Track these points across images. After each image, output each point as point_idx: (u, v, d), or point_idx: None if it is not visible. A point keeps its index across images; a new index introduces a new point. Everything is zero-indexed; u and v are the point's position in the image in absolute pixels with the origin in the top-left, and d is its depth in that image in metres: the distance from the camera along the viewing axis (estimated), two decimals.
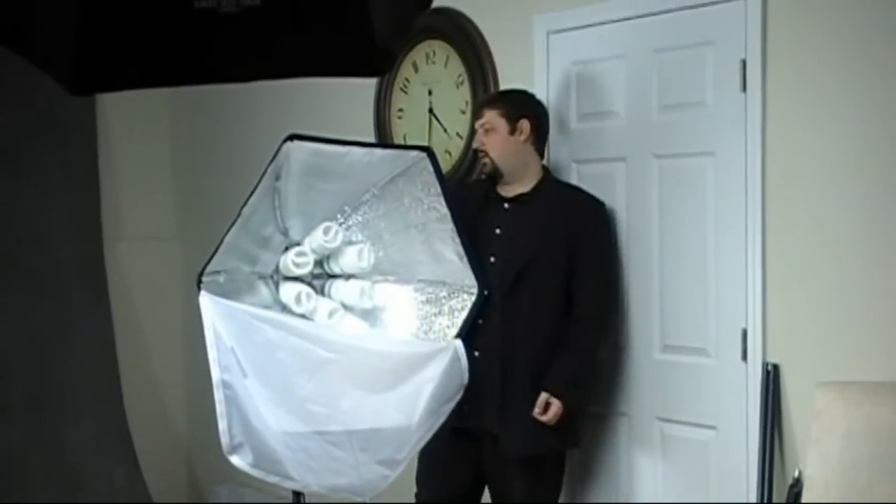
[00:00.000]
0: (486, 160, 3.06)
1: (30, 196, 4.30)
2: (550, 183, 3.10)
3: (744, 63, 2.85)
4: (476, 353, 2.91)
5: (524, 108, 3.09)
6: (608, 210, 3.11)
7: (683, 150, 3.03)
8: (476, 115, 3.14)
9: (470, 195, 3.14)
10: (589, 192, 3.10)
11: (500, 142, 3.04)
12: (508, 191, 3.08)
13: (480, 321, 2.94)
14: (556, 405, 2.93)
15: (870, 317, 2.65)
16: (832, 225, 2.72)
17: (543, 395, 2.93)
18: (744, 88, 2.85)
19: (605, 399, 3.21)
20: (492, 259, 2.99)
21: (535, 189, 3.06)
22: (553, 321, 3.00)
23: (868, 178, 2.66)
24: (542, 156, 3.14)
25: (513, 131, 3.04)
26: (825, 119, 2.72)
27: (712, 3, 2.92)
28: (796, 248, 2.78)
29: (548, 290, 2.99)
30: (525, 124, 3.05)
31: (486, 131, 3.05)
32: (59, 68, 1.99)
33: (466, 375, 2.80)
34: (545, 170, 3.12)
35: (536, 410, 2.92)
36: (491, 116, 3.06)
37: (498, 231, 3.04)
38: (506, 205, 3.08)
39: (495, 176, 3.06)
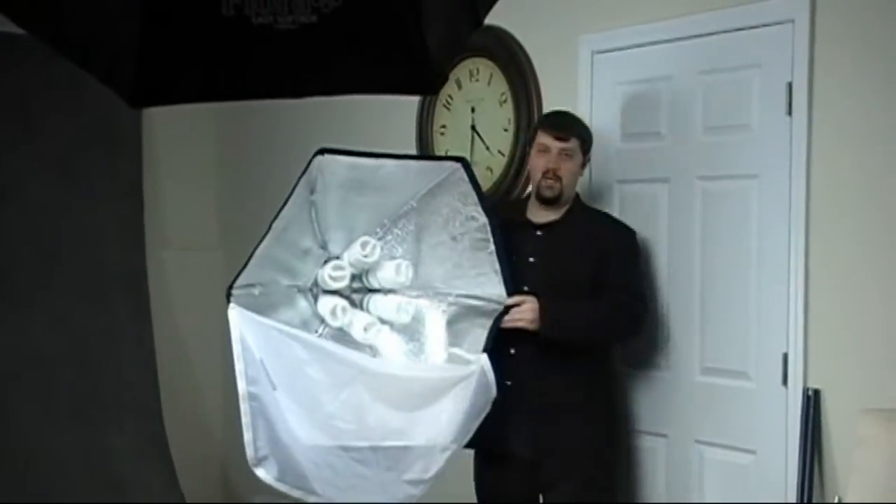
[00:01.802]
0: (557, 185, 3.00)
1: (77, 204, 4.37)
2: (581, 209, 3.09)
3: (790, 86, 2.84)
4: (508, 383, 2.88)
5: (591, 144, 3.11)
6: (638, 239, 3.10)
7: (727, 172, 3.03)
8: (559, 134, 3.02)
9: (507, 216, 3.11)
10: (619, 219, 3.12)
11: (574, 170, 3.03)
12: (540, 216, 3.06)
13: (513, 350, 2.93)
14: (530, 304, 2.88)
15: None
16: (876, 250, 2.69)
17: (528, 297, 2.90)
18: (789, 112, 2.84)
19: (645, 420, 3.20)
20: (525, 288, 2.95)
21: (567, 215, 3.05)
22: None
23: None
24: None
25: (583, 164, 3.08)
26: (871, 144, 2.70)
27: (759, 26, 2.91)
28: (839, 273, 2.76)
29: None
30: (588, 160, 3.10)
31: (566, 156, 3.01)
32: (120, 82, 2.04)
33: (493, 390, 2.79)
34: (576, 196, 3.11)
35: (510, 301, 2.89)
36: (574, 144, 3.02)
37: (532, 259, 3.02)
38: (538, 231, 3.05)
39: (555, 201, 3.03)
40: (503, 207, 3.23)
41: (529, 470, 2.98)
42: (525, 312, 2.89)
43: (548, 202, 3.03)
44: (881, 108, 2.69)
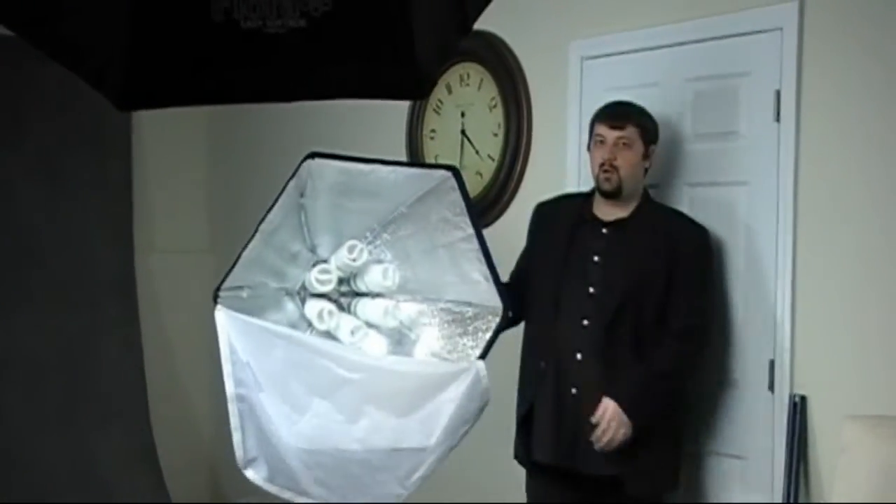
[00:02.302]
0: (614, 176, 2.85)
1: (64, 205, 4.36)
2: (650, 207, 2.94)
3: (778, 94, 2.85)
4: (573, 391, 2.82)
5: (656, 135, 2.95)
6: (711, 238, 2.94)
7: (715, 179, 3.04)
8: (614, 122, 2.88)
9: (563, 213, 3.00)
10: (692, 218, 2.93)
11: (633, 160, 2.87)
12: (608, 213, 2.92)
13: (579, 356, 2.83)
14: (611, 409, 2.74)
15: None
16: (865, 257, 2.70)
17: (605, 401, 2.76)
18: (777, 119, 2.86)
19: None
20: (590, 289, 2.85)
21: (636, 213, 2.90)
22: (651, 345, 2.84)
23: None
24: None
25: (646, 156, 2.91)
26: (859, 150, 2.72)
27: (748, 34, 2.93)
28: (827, 280, 2.77)
29: (650, 321, 2.82)
30: (652, 151, 2.94)
31: (624, 145, 2.86)
32: (107, 85, 2.04)
33: (487, 397, 2.76)
34: (645, 193, 2.97)
35: (593, 418, 2.76)
36: (633, 133, 2.87)
37: (596, 259, 2.88)
38: (604, 229, 2.91)
39: (615, 195, 2.88)
40: (566, 204, 3.06)
41: (596, 490, 2.86)
42: (612, 428, 2.74)
43: (608, 196, 2.89)
44: (870, 115, 2.70)
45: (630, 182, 2.88)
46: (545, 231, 3.05)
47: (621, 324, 2.81)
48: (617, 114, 2.91)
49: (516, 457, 3.05)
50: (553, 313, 2.90)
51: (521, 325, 3.02)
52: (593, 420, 2.76)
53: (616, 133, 2.87)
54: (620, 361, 2.80)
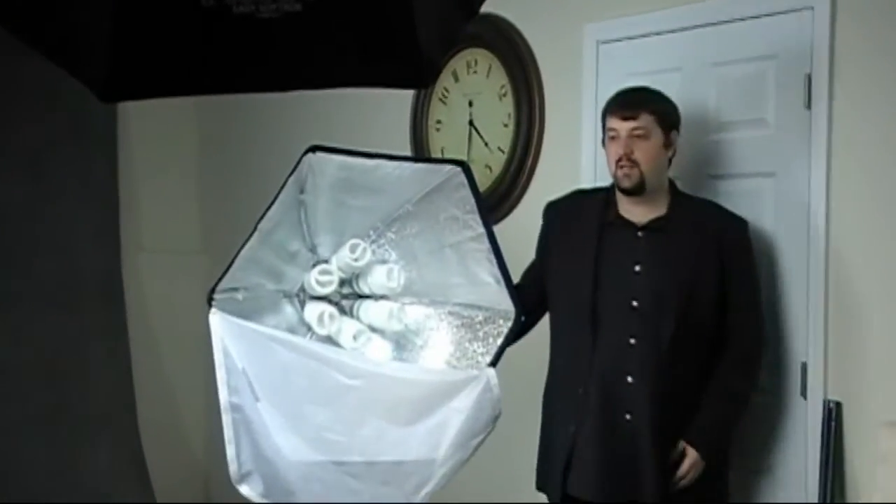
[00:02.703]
0: (634, 171, 2.72)
1: (46, 205, 4.36)
2: (685, 202, 2.82)
3: (809, 78, 2.83)
4: (628, 418, 2.71)
5: (677, 119, 2.81)
6: (750, 229, 2.83)
7: (741, 170, 3.02)
8: (625, 113, 2.76)
9: (584, 214, 2.87)
10: (729, 210, 2.84)
11: (652, 152, 2.74)
12: (639, 214, 2.78)
13: (630, 379, 2.71)
14: (691, 457, 2.69)
15: None
16: None
17: (681, 447, 2.70)
18: (808, 105, 2.84)
19: None
20: (633, 303, 2.72)
21: (671, 211, 2.77)
22: (706, 358, 2.76)
23: None
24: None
25: (667, 144, 2.77)
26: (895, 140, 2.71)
27: (776, 14, 2.90)
28: (862, 277, 2.75)
29: (706, 335, 2.73)
30: (674, 137, 2.79)
31: (639, 137, 2.73)
32: (90, 74, 2.03)
33: (499, 407, 2.75)
34: (673, 185, 2.84)
35: (678, 472, 2.69)
36: (648, 121, 2.73)
37: (638, 268, 2.74)
38: (640, 233, 2.77)
39: (638, 191, 2.75)
40: (585, 202, 2.93)
41: None
42: (692, 473, 2.70)
43: (630, 193, 2.76)
44: None
45: (653, 176, 2.75)
46: (564, 233, 2.91)
47: (678, 341, 2.69)
48: (627, 102, 2.78)
49: (540, 488, 2.92)
50: (590, 330, 2.76)
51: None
52: (678, 474, 2.70)
53: (629, 124, 2.74)
54: (681, 382, 2.70)
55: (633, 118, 2.73)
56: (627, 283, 2.74)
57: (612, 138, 2.77)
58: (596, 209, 2.83)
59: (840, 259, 2.80)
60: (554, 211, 2.97)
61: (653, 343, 2.69)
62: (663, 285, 2.70)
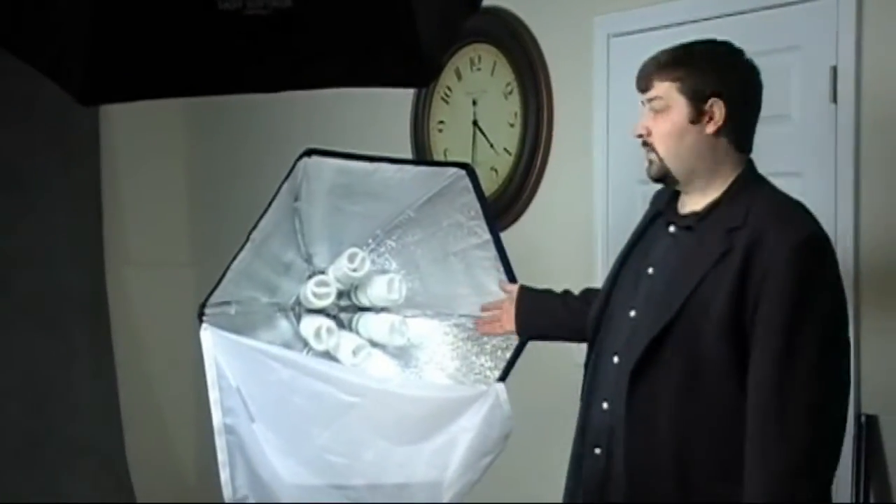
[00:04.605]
0: (652, 156, 2.30)
1: (26, 216, 4.37)
2: (744, 194, 2.24)
3: (834, 70, 2.83)
4: (596, 451, 2.34)
5: (718, 79, 2.23)
6: (814, 248, 2.15)
7: (764, 169, 2.98)
8: (642, 83, 2.33)
9: (656, 205, 2.46)
10: (800, 218, 2.22)
11: (671, 129, 2.26)
12: (685, 204, 2.33)
13: (605, 405, 2.32)
14: None
15: None
16: None
17: None
18: (834, 99, 2.83)
19: None
20: (632, 313, 2.31)
21: (715, 205, 2.25)
22: (722, 405, 2.15)
23: None
24: (744, 150, 2.30)
25: (697, 117, 2.24)
26: None
27: (798, 2, 2.90)
28: (893, 285, 2.75)
29: (711, 367, 2.15)
30: (717, 107, 2.23)
31: (657, 112, 2.28)
32: (67, 76, 2.03)
33: (510, 425, 2.76)
34: (745, 173, 2.29)
35: None
36: (665, 90, 2.25)
37: (651, 270, 2.33)
38: (671, 228, 2.34)
39: (662, 180, 2.33)
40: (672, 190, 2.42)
41: None
42: None
43: (661, 182, 2.35)
44: None
45: (678, 161, 2.26)
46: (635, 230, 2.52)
47: (663, 360, 2.20)
48: (642, 69, 2.33)
49: None
50: (593, 341, 2.43)
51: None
52: None
53: (645, 97, 2.31)
54: (653, 419, 2.20)
55: (647, 88, 2.30)
56: (635, 288, 2.35)
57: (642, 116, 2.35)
58: (666, 198, 2.42)
59: (871, 263, 2.79)
60: (653, 199, 2.54)
61: (628, 359, 2.25)
62: (662, 294, 2.25)
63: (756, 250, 2.11)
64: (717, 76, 2.25)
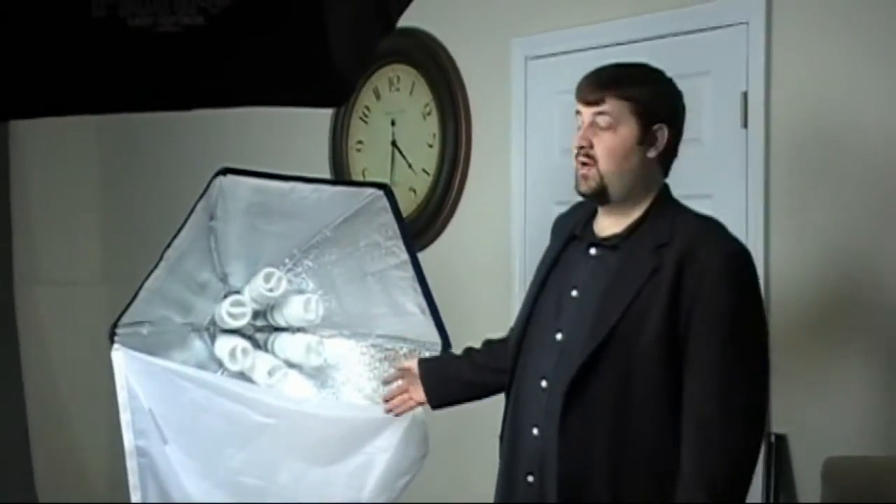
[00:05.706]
0: (590, 171, 2.23)
1: None
2: (663, 215, 2.26)
3: (745, 96, 2.89)
4: (529, 479, 2.27)
5: (667, 106, 2.27)
6: (744, 261, 2.20)
7: (677, 192, 3.03)
8: (592, 96, 2.25)
9: (567, 228, 2.41)
10: (725, 235, 2.24)
11: (618, 148, 2.22)
12: (603, 228, 2.30)
13: (536, 431, 2.26)
14: None
15: (880, 383, 2.66)
16: (843, 281, 2.74)
17: None
18: (745, 124, 2.89)
19: None
20: (557, 336, 2.26)
21: (635, 226, 2.25)
22: (655, 421, 2.16)
23: (880, 231, 2.68)
24: (667, 174, 2.32)
25: (644, 139, 2.23)
26: (833, 160, 2.75)
27: (709, 29, 2.96)
28: (803, 305, 2.80)
29: (643, 390, 2.15)
30: (661, 133, 2.24)
31: (602, 128, 2.22)
32: None
33: (426, 446, 2.77)
34: (662, 193, 2.30)
35: None
36: (616, 108, 2.21)
37: (574, 293, 2.28)
38: (592, 250, 2.30)
39: (597, 197, 2.27)
40: (579, 214, 2.42)
41: None
42: None
43: (591, 199, 2.30)
44: (843, 117, 2.74)
45: (618, 180, 2.23)
46: (546, 252, 2.49)
47: (594, 385, 2.17)
48: (594, 81, 2.28)
49: None
50: (514, 367, 2.38)
51: None
52: None
53: (591, 109, 2.25)
54: (587, 440, 2.19)
55: (597, 102, 2.24)
56: (558, 311, 2.30)
57: (578, 127, 2.30)
58: (577, 221, 2.39)
59: (780, 286, 2.84)
60: (554, 226, 2.54)
61: (559, 384, 2.22)
62: (590, 316, 2.21)
63: (687, 264, 2.14)
64: (666, 103, 2.28)
